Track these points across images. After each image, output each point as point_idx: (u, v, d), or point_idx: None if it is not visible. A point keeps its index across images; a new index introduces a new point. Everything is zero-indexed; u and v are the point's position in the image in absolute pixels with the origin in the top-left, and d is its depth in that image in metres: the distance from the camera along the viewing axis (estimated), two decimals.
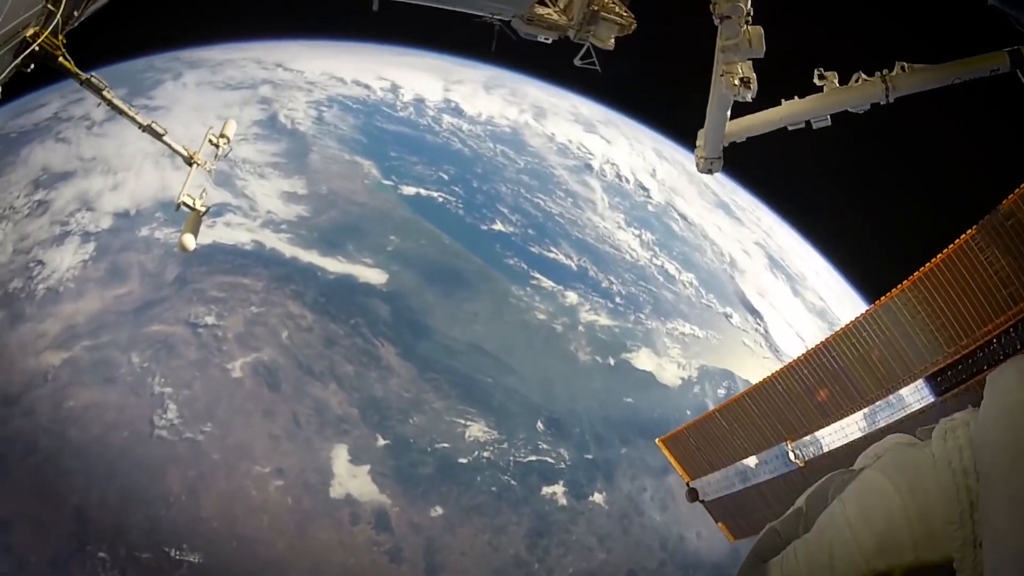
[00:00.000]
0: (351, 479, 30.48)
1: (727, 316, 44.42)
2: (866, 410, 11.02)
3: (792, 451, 12.09)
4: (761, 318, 45.09)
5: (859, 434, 11.23)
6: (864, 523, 3.21)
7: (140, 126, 8.22)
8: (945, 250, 9.52)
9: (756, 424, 12.74)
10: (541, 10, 7.94)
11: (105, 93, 7.77)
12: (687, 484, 14.42)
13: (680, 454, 14.55)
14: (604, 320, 40.34)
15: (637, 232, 47.31)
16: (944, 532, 3.04)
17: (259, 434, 30.88)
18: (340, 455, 31.05)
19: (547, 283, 41.00)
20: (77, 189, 37.35)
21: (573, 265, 42.97)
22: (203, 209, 8.41)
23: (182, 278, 34.70)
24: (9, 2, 5.40)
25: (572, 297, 40.81)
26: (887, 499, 3.21)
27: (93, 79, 7.61)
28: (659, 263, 45.56)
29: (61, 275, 33.54)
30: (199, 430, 30.26)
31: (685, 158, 52.74)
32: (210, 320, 33.47)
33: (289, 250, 37.69)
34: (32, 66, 6.98)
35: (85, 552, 27.06)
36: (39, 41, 6.54)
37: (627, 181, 51.78)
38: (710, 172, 10.02)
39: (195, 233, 8.36)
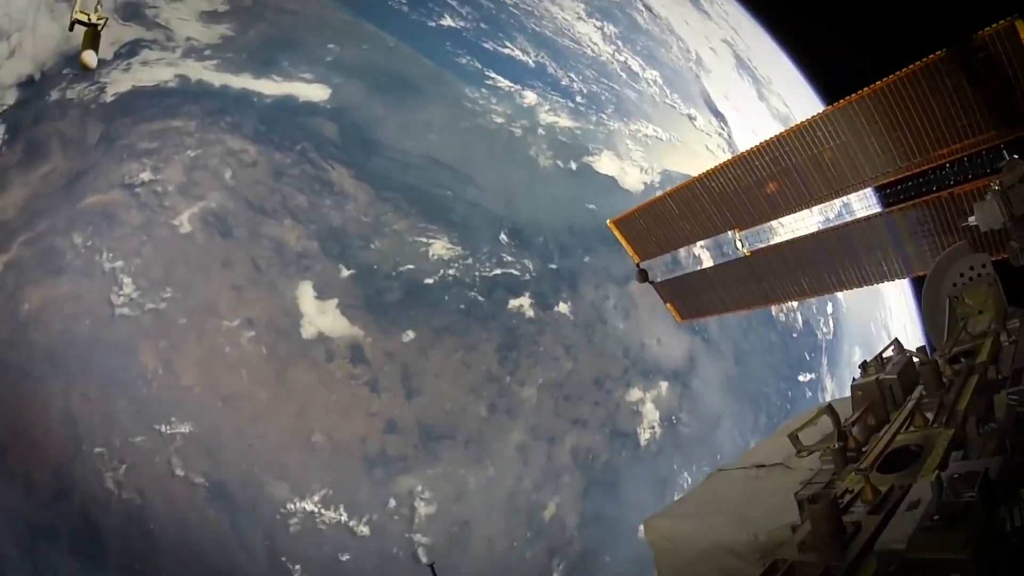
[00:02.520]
0: (320, 316, 30.59)
1: (691, 118, 42.89)
2: (814, 208, 11.32)
3: (739, 240, 12.37)
4: (725, 122, 43.76)
5: (805, 231, 11.79)
6: None
7: None
8: (911, 66, 9.25)
9: (706, 211, 12.82)
10: None
11: None
12: (637, 265, 14.64)
13: (631, 236, 14.66)
14: (565, 121, 38.55)
15: (599, 24, 43.88)
16: None
17: (221, 288, 30.36)
18: (306, 293, 30.87)
19: (503, 83, 38.59)
20: None
21: (530, 61, 40.32)
22: (100, 22, 8.14)
23: (107, 136, 31.70)
24: None
25: (531, 97, 38.68)
26: None
27: None
28: (622, 59, 42.88)
29: None
30: (160, 298, 29.51)
31: None
32: (146, 176, 31.23)
33: (218, 78, 34.39)
34: None
35: (82, 453, 27.30)
36: None
37: None
38: None
39: (95, 49, 8.20)
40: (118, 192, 31.08)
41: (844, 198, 10.85)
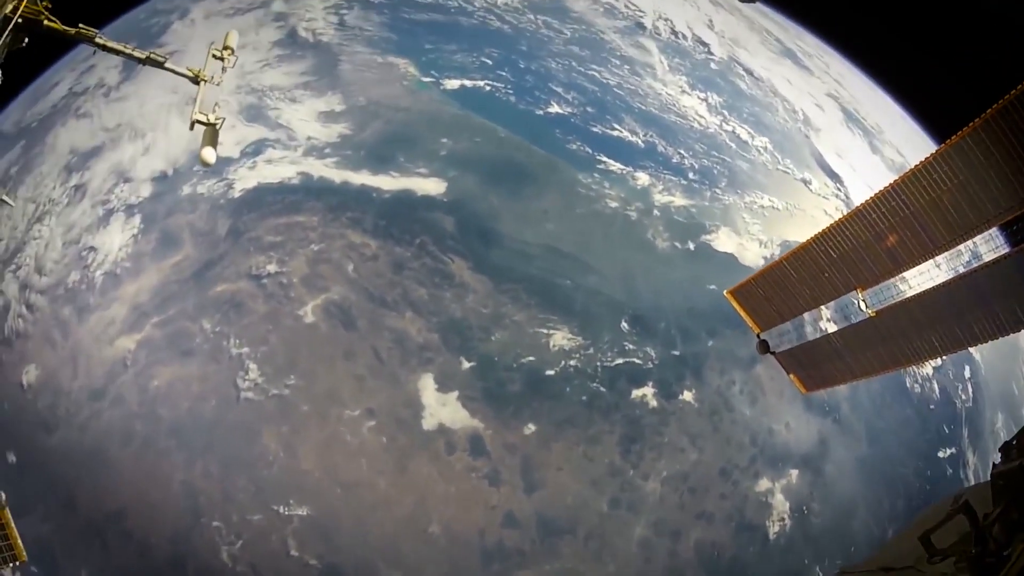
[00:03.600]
0: (441, 408, 30.61)
1: (806, 183, 41.26)
2: (938, 258, 10.44)
3: (862, 300, 11.59)
4: (841, 182, 41.91)
5: (930, 283, 10.84)
6: None
7: (139, 60, 8.78)
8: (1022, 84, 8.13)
9: (826, 272, 12.07)
10: None
11: (98, 39, 8.31)
12: (757, 336, 13.86)
13: (749, 306, 13.87)
14: (679, 200, 37.85)
15: (703, 95, 43.33)
16: None
17: (343, 377, 31.01)
18: (427, 385, 31.04)
19: (615, 166, 38.40)
20: (109, 162, 36.42)
21: (640, 141, 39.98)
22: (217, 121, 8.99)
23: (235, 230, 33.93)
24: None
25: (643, 178, 38.23)
26: None
27: (82, 29, 8.12)
28: (730, 128, 42.01)
29: (115, 256, 33.36)
30: (283, 384, 30.47)
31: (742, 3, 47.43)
32: (272, 268, 32.85)
33: (338, 175, 36.05)
34: (26, 40, 7.78)
35: (200, 525, 28.50)
36: (20, 11, 7.18)
37: (684, 37, 46.73)
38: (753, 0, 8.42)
39: (214, 146, 8.97)
40: (245, 282, 32.74)
41: (969, 242, 9.85)
